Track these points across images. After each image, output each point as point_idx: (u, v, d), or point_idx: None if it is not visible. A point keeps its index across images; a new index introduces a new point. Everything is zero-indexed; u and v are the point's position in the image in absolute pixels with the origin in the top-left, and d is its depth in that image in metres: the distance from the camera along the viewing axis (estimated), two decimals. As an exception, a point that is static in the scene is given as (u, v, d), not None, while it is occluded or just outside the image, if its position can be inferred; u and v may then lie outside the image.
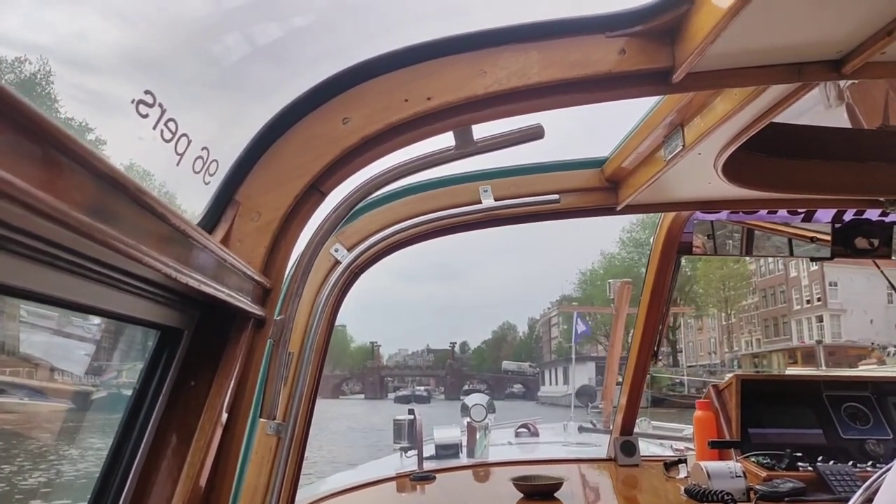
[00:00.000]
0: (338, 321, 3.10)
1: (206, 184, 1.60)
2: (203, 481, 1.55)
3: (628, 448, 4.86)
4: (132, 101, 1.18)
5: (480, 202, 3.08)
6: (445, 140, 2.09)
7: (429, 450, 5.60)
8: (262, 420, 2.20)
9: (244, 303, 1.62)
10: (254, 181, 1.79)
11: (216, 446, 1.61)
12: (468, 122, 1.97)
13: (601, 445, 5.40)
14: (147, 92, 1.21)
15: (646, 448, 5.31)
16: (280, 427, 2.43)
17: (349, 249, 2.93)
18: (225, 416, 1.65)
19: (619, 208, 3.26)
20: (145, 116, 1.24)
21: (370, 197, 2.47)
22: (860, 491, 2.80)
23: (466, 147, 2.06)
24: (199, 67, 1.64)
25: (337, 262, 2.90)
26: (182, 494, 1.45)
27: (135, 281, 1.24)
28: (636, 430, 5.14)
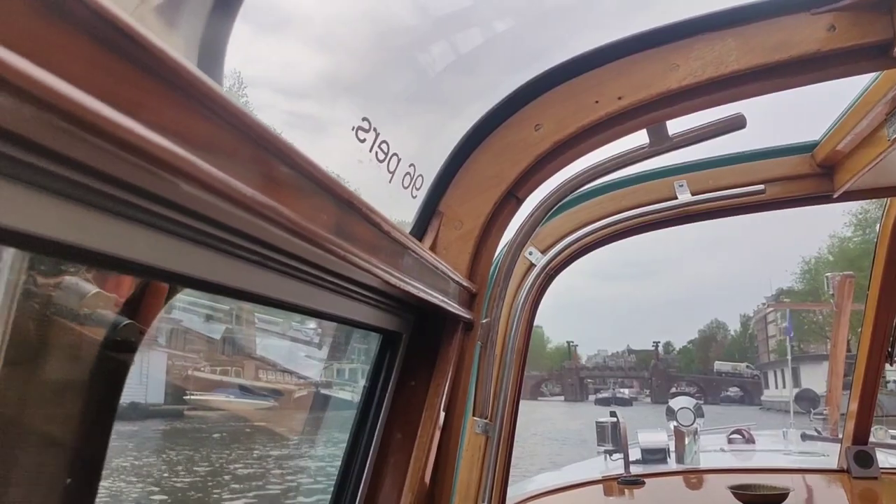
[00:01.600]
0: (536, 322, 3.13)
1: (414, 197, 1.72)
2: (427, 477, 1.66)
3: (864, 459, 4.35)
4: (352, 129, 1.31)
5: (676, 198, 2.96)
6: (638, 138, 2.05)
7: (633, 454, 5.44)
8: (471, 419, 2.29)
9: (454, 307, 1.72)
10: (455, 192, 1.89)
11: (437, 443, 1.72)
12: (662, 119, 1.91)
13: (829, 455, 4.89)
14: (364, 119, 1.34)
15: (884, 460, 4.71)
16: (488, 426, 2.52)
17: (543, 252, 2.96)
18: (443, 415, 1.76)
19: (835, 195, 2.95)
20: (363, 141, 1.37)
21: (564, 199, 2.48)
22: None
23: (661, 143, 2.00)
24: (402, 84, 1.77)
25: (532, 266, 2.94)
26: (410, 488, 1.57)
27: (361, 289, 1.38)
28: (871, 438, 4.59)
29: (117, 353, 1.03)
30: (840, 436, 4.67)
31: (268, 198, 0.81)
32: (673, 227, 3.26)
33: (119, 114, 0.57)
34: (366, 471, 1.60)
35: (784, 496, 3.58)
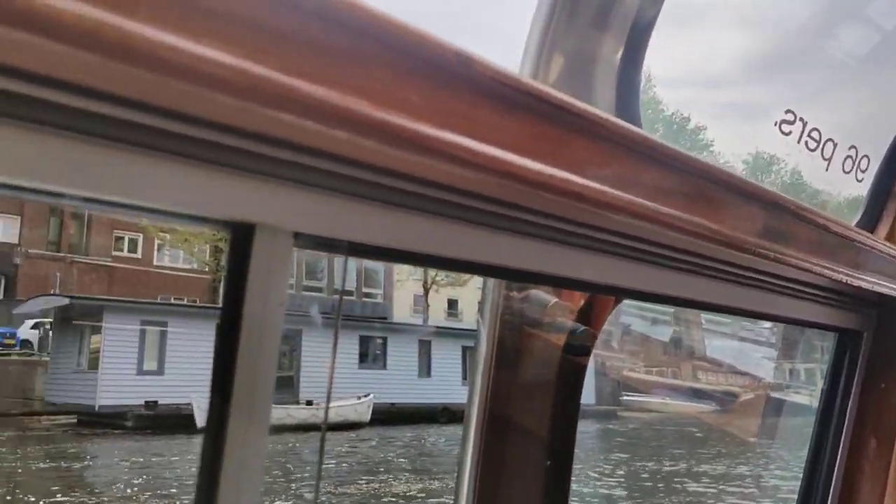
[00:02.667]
0: None
1: (859, 181, 1.55)
2: None
3: None
4: (774, 124, 1.29)
5: None
6: None
7: None
8: None
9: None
10: None
11: None
12: None
13: None
14: (788, 111, 1.30)
15: None
16: None
17: None
18: None
19: None
20: (788, 134, 1.33)
21: None
22: None
23: None
24: (830, 64, 1.61)
25: None
26: (893, 498, 1.41)
27: (806, 287, 1.32)
28: None
29: (576, 356, 1.22)
30: None
31: (691, 214, 0.90)
32: None
33: (560, 170, 0.73)
34: (833, 479, 1.51)
35: None
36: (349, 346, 17.58)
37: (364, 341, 19.12)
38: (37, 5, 0.38)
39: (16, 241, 22.55)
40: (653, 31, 1.05)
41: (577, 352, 1.21)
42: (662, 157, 0.87)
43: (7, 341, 19.40)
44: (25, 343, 19.92)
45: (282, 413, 13.27)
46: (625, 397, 18.46)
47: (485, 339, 1.18)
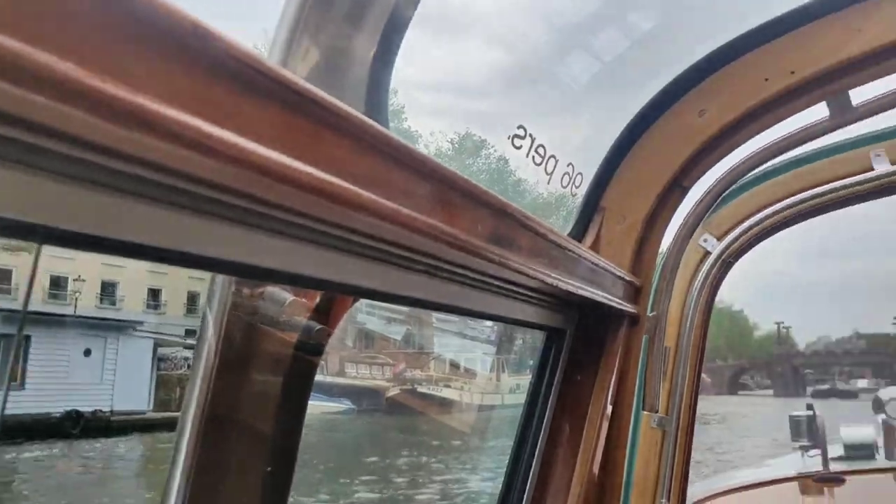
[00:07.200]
0: (738, 306, 2.99)
1: (573, 196, 1.75)
2: (596, 468, 1.70)
3: None
4: (508, 137, 1.38)
5: (872, 169, 2.68)
6: (817, 111, 1.91)
7: (836, 450, 5.01)
8: (645, 413, 2.28)
9: (617, 302, 1.73)
10: (616, 186, 1.89)
11: (605, 436, 1.74)
12: (843, 88, 1.77)
13: None
14: (519, 126, 1.40)
15: None
16: (664, 420, 2.47)
17: (719, 239, 2.83)
18: (609, 408, 1.78)
19: None
20: (519, 148, 1.44)
21: (738, 182, 2.37)
22: None
23: (844, 115, 1.85)
24: (556, 88, 1.80)
25: (707, 254, 2.83)
26: (579, 478, 1.62)
27: (524, 290, 1.44)
28: None
29: (308, 355, 1.19)
30: None
31: (430, 217, 0.92)
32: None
33: (305, 164, 0.69)
34: (534, 462, 1.68)
35: None
36: None
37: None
38: None
39: None
40: (406, 32, 1.05)
41: (309, 351, 1.17)
42: (408, 160, 0.87)
43: None
44: None
45: None
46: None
47: (211, 336, 1.08)
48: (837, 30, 1.66)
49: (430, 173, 0.92)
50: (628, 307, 1.81)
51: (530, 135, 1.47)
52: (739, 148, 1.96)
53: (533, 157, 1.51)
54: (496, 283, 1.32)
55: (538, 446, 1.70)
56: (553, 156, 1.57)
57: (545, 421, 1.72)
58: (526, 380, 1.98)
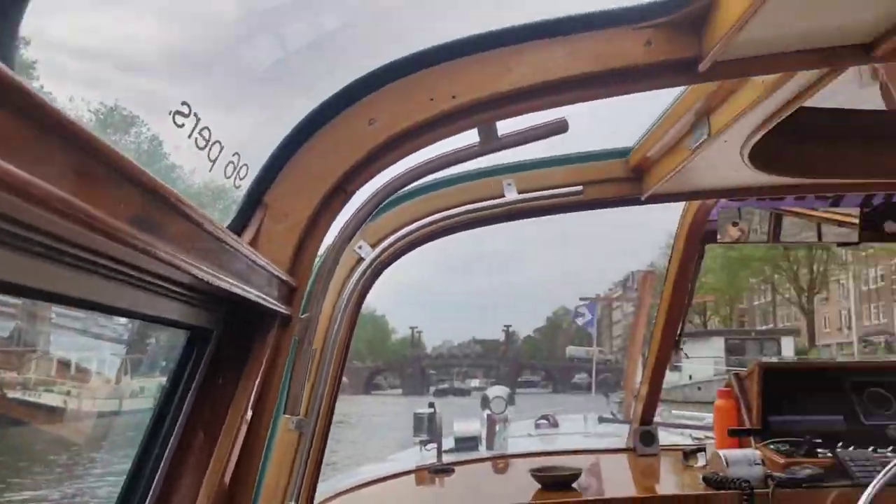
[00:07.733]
0: (381, 312, 3.12)
1: (237, 188, 1.64)
2: (228, 477, 1.59)
3: (647, 438, 4.85)
4: (169, 113, 1.22)
5: (503, 196, 3.08)
6: (470, 136, 2.11)
7: (450, 443, 5.63)
8: (284, 416, 2.24)
9: (271, 302, 1.66)
10: (282, 184, 1.82)
11: (241, 442, 1.65)
12: (493, 119, 1.98)
13: (622, 436, 5.40)
14: (183, 103, 1.25)
15: (666, 437, 5.30)
16: (302, 423, 2.47)
17: (373, 246, 2.96)
18: (250, 413, 1.69)
19: (643, 198, 3.23)
20: (181, 126, 1.28)
21: (395, 194, 2.49)
22: (880, 475, 2.78)
23: (490, 143, 2.07)
24: (232, 74, 1.67)
25: (360, 259, 2.93)
26: (208, 489, 1.49)
27: (168, 284, 1.28)
28: (657, 419, 5.14)
29: None
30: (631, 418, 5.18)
31: (55, 187, 0.74)
32: (525, 221, 3.44)
33: None
34: (160, 472, 1.51)
35: (576, 476, 3.91)
36: None
37: None
38: None
39: None
40: None
41: None
42: (38, 115, 0.69)
43: None
44: None
45: None
46: None
47: None
48: (493, 65, 1.85)
49: (63, 132, 0.74)
50: (282, 308, 1.75)
51: (195, 114, 1.32)
52: (402, 161, 2.06)
53: (196, 139, 1.36)
54: (137, 274, 1.15)
55: (165, 456, 1.53)
56: (219, 141, 1.44)
57: (176, 427, 1.57)
58: (155, 383, 1.79)
